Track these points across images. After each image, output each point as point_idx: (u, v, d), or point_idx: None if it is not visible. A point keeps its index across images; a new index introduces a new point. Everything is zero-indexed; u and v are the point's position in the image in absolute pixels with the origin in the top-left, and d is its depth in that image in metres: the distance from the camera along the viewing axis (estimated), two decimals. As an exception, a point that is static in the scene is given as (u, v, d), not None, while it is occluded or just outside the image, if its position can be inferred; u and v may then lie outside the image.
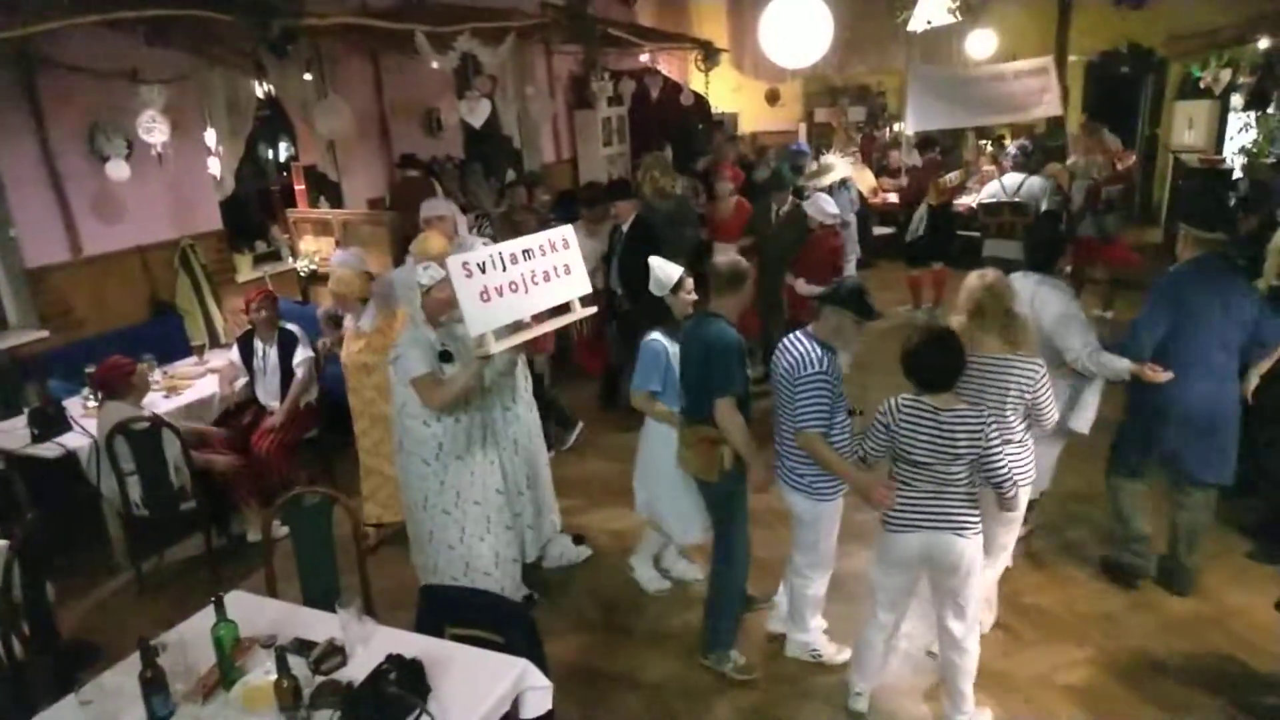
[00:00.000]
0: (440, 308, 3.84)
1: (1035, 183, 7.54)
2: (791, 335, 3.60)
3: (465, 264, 3.47)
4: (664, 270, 4.07)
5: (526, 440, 4.51)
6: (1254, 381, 4.23)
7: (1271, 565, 4.35)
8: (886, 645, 3.52)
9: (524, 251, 3.71)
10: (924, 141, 9.31)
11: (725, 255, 3.66)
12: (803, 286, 6.26)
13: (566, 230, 3.98)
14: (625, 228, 6.13)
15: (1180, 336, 3.92)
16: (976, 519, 3.19)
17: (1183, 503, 4.20)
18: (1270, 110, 11.11)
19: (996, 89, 8.66)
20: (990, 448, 3.05)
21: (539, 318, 3.88)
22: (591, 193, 6.76)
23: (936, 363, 3.09)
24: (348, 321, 4.93)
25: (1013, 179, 7.65)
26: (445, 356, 3.84)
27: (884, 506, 3.24)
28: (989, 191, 7.79)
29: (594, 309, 4.04)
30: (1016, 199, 7.47)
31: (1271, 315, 3.96)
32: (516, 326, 3.80)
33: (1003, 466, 3.09)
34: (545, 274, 3.77)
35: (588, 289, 3.97)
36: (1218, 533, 4.73)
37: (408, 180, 8.08)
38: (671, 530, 4.24)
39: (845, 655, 3.87)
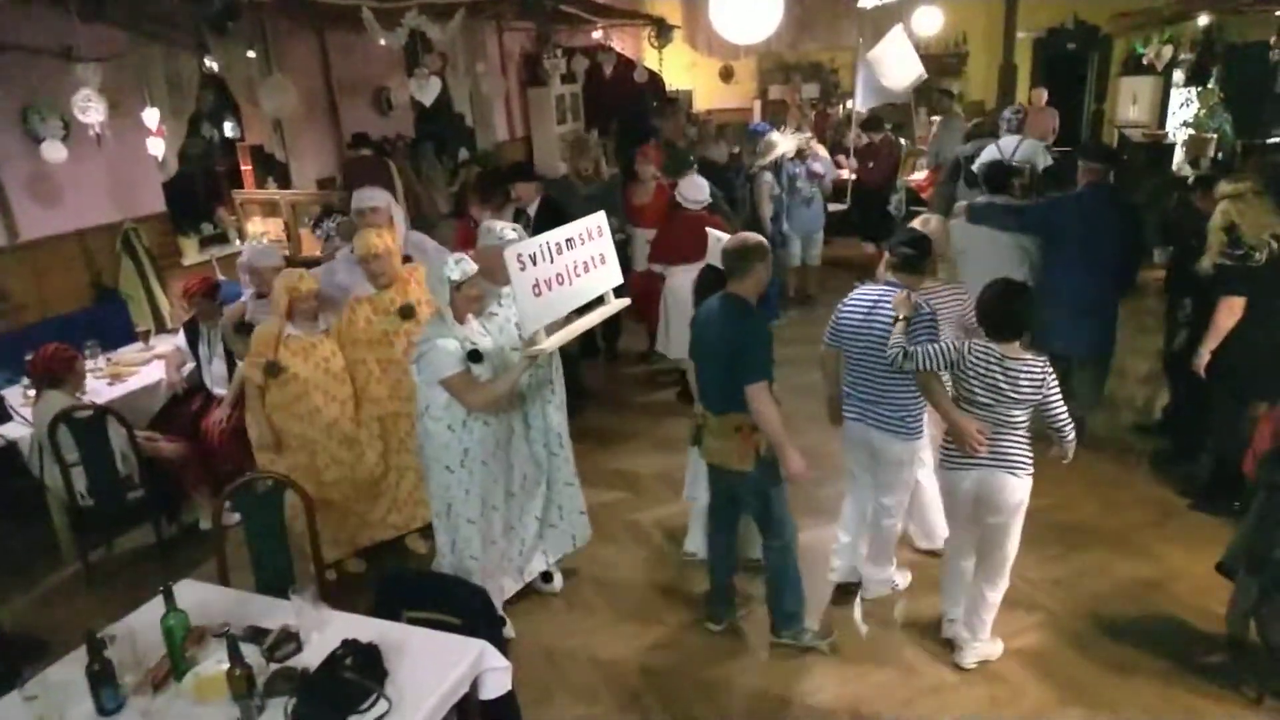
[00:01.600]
0: (470, 305, 3.59)
1: (1029, 145, 7.72)
2: (873, 289, 3.77)
3: (520, 256, 3.26)
4: (721, 239, 4.02)
5: (557, 438, 4.13)
6: (1205, 357, 4.42)
7: (1211, 515, 4.56)
8: (967, 571, 3.70)
9: (567, 240, 3.53)
10: (871, 120, 9.35)
11: (739, 236, 3.65)
12: (659, 268, 6.23)
13: (600, 217, 3.82)
14: (532, 211, 5.74)
15: (1064, 243, 5.07)
16: (1030, 459, 3.40)
17: (1072, 384, 5.09)
18: (1210, 85, 11.36)
19: (896, 62, 8.86)
20: (1050, 395, 3.29)
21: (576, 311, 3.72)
22: (487, 178, 6.24)
23: (1009, 312, 3.31)
24: (288, 327, 4.17)
25: (1008, 142, 7.78)
26: (474, 356, 3.53)
27: (978, 449, 3.34)
28: (987, 155, 7.89)
29: (627, 301, 3.90)
30: (1014, 162, 7.58)
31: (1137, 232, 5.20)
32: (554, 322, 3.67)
33: (1062, 413, 3.33)
34: (585, 264, 3.61)
35: (620, 279, 3.84)
36: (1163, 499, 4.88)
37: (359, 160, 7.93)
38: None
39: (908, 578, 4.21)
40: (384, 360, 4.33)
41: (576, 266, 3.59)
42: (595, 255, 3.72)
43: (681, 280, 5.70)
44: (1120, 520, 4.70)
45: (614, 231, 4.16)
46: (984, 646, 3.69)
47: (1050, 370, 3.30)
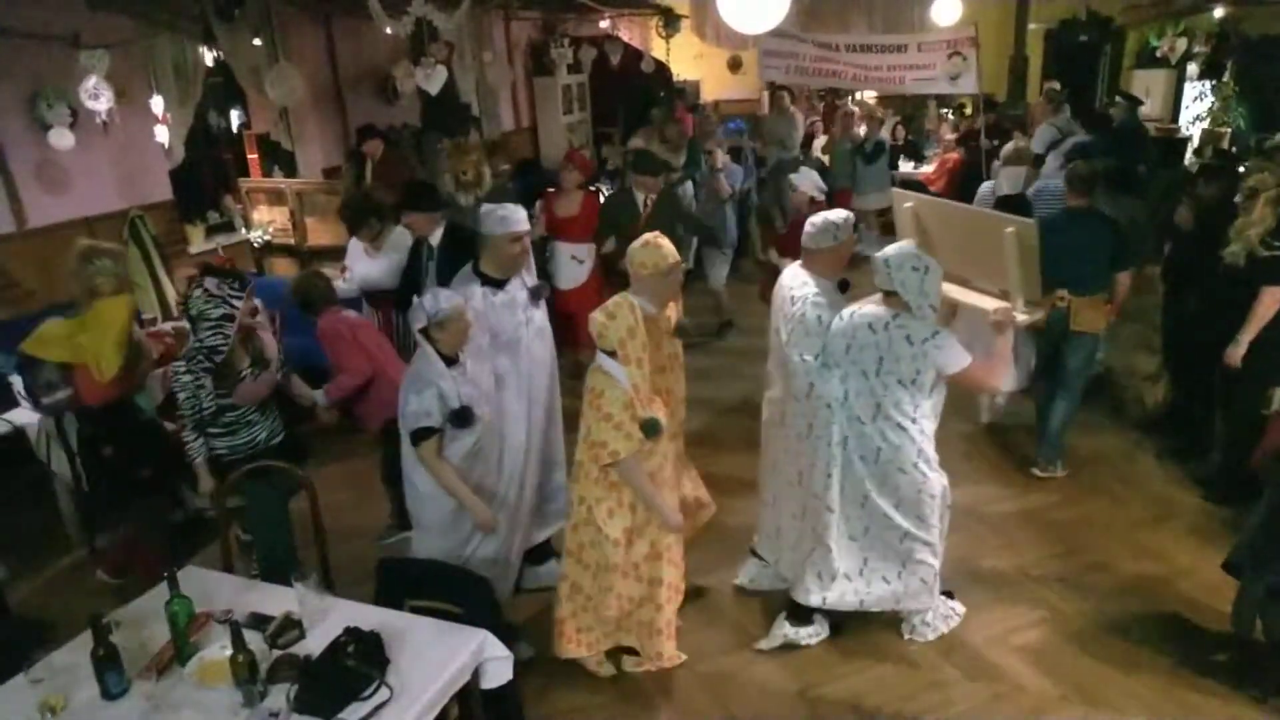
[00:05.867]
0: None
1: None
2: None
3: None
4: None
5: None
6: (1243, 347, 4.42)
7: (1219, 508, 4.59)
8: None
9: None
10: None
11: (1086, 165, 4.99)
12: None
13: None
14: (434, 241, 4.94)
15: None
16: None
17: None
18: (1225, 79, 11.27)
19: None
20: None
21: None
22: (368, 204, 5.45)
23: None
24: (628, 374, 3.17)
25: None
26: None
27: None
28: (1046, 134, 8.31)
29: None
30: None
31: None
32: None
33: None
34: None
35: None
36: (1168, 496, 4.86)
37: (391, 153, 7.87)
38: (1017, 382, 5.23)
39: None
40: (667, 388, 3.77)
41: None
42: None
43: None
44: (1125, 517, 4.68)
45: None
46: None
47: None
